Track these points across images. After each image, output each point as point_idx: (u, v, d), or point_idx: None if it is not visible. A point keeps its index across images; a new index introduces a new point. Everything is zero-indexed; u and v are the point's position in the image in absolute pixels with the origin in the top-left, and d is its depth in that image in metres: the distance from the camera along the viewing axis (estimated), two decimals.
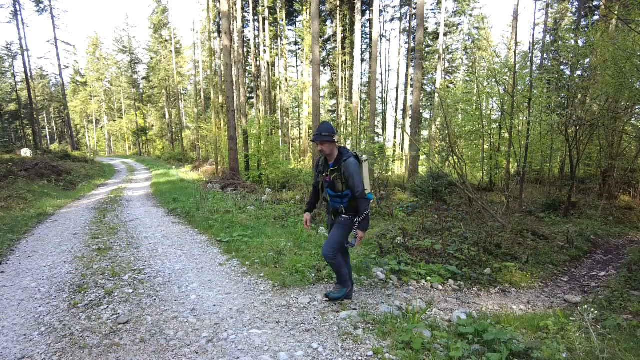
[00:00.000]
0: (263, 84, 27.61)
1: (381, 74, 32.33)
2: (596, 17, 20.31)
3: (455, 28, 29.11)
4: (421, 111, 26.45)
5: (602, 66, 9.88)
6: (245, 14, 27.36)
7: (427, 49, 27.17)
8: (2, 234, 5.85)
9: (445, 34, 26.28)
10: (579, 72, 14.64)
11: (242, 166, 16.67)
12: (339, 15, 28.02)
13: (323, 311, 3.17)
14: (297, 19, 31.42)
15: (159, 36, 36.83)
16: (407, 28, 27.97)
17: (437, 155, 18.07)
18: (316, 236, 5.91)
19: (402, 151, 28.68)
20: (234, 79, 20.51)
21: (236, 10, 21.75)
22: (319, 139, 3.05)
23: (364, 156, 3.27)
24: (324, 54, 30.52)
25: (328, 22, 30.64)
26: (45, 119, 51.26)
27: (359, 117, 25.27)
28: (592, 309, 3.41)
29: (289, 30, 31.90)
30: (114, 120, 47.66)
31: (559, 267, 5.99)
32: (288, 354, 2.45)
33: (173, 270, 4.25)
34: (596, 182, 12.64)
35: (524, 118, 10.37)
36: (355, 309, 3.24)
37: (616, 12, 10.09)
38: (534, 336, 3.14)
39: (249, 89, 31.22)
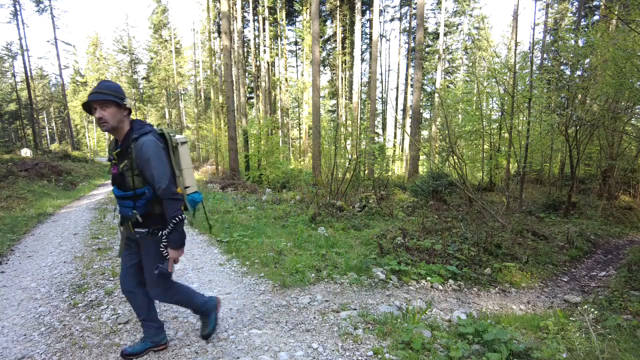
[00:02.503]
0: (263, 84, 27.61)
1: (381, 74, 32.35)
2: (596, 17, 20.32)
3: (455, 28, 29.11)
4: (421, 111, 26.45)
5: (602, 66, 9.88)
6: (245, 14, 27.37)
7: (427, 49, 27.16)
8: (2, 234, 5.85)
9: (445, 34, 26.29)
10: (579, 72, 14.64)
11: (242, 166, 16.68)
12: (339, 15, 28.03)
13: (323, 311, 3.17)
14: (297, 19, 31.43)
15: (159, 36, 36.82)
16: (407, 28, 27.98)
17: (437, 155, 18.09)
18: (316, 236, 5.91)
19: (402, 151, 28.69)
20: (234, 79, 20.51)
21: (236, 11, 21.75)
22: (98, 97, 1.91)
23: (177, 136, 2.23)
24: (324, 54, 30.52)
25: (328, 22, 30.64)
26: (45, 119, 51.26)
27: (359, 117, 25.28)
28: (592, 309, 3.41)
29: (289, 30, 31.92)
30: None
31: (559, 267, 5.99)
32: (288, 354, 2.45)
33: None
34: (596, 182, 12.64)
35: (524, 118, 10.38)
36: (355, 309, 3.24)
37: (616, 12, 10.09)
38: (534, 336, 3.14)
39: (249, 89, 31.22)
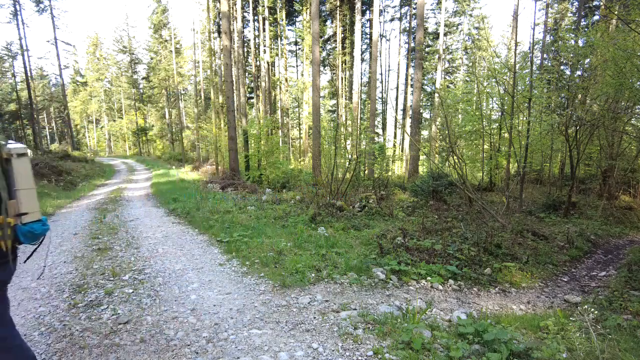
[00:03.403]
0: (263, 84, 27.61)
1: (381, 74, 32.34)
2: (596, 17, 20.31)
3: (455, 28, 29.11)
4: (421, 111, 26.44)
5: (602, 66, 9.88)
6: (245, 14, 27.37)
7: (427, 49, 27.15)
8: None
9: (445, 34, 26.27)
10: (579, 72, 14.64)
11: (242, 166, 16.67)
12: (339, 15, 28.03)
13: (323, 311, 3.17)
14: (297, 19, 31.42)
15: (159, 36, 36.83)
16: (407, 28, 27.97)
17: (437, 155, 18.10)
18: (316, 236, 5.91)
19: (402, 151, 28.68)
20: (234, 79, 20.50)
21: (236, 11, 21.75)
22: None
23: (13, 145, 1.67)
24: (324, 54, 30.52)
25: (328, 22, 30.64)
26: (45, 119, 51.24)
27: (359, 117, 25.27)
28: (592, 309, 3.41)
29: (289, 30, 31.92)
30: (114, 120, 47.68)
31: (559, 267, 5.99)
32: (288, 354, 2.45)
33: (173, 270, 4.25)
34: (596, 182, 12.63)
35: (524, 118, 10.37)
36: (355, 309, 3.24)
37: (616, 12, 10.09)
38: (534, 336, 3.14)
39: (249, 89, 31.23)
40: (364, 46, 30.53)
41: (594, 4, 20.60)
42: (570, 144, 9.99)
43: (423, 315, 3.24)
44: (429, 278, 4.49)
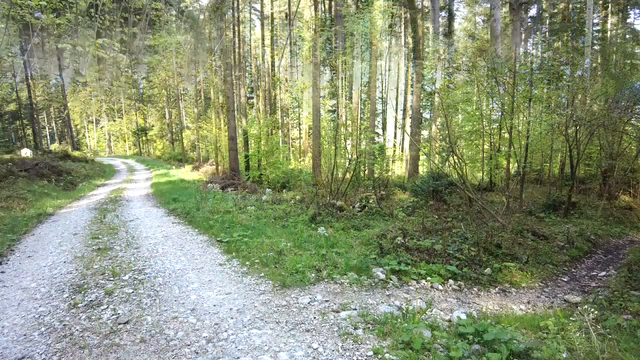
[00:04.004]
0: (263, 84, 27.63)
1: (381, 74, 32.34)
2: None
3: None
4: (421, 111, 26.44)
5: (602, 66, 9.88)
6: (246, 14, 27.37)
7: (427, 49, 27.13)
8: (2, 234, 5.85)
9: (445, 34, 26.26)
10: (579, 72, 14.63)
11: (242, 166, 16.68)
12: None
13: (323, 311, 3.18)
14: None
15: (159, 36, 36.80)
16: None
17: (437, 155, 18.09)
18: (316, 236, 5.91)
19: (402, 151, 28.69)
20: (234, 79, 20.50)
21: None
22: None
23: None
24: (324, 54, 30.51)
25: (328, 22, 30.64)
26: (45, 119, 51.25)
27: (359, 117, 25.27)
28: (592, 309, 3.41)
29: (289, 30, 31.90)
30: (114, 120, 47.70)
31: (559, 267, 5.99)
32: (288, 354, 2.45)
33: (173, 270, 4.25)
34: (596, 182, 12.63)
35: (524, 118, 10.37)
36: (355, 309, 3.24)
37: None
38: (534, 336, 3.14)
39: (249, 89, 31.24)
40: (364, 46, 30.53)
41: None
42: (570, 144, 9.99)
43: (423, 315, 3.24)
44: (429, 278, 4.49)
